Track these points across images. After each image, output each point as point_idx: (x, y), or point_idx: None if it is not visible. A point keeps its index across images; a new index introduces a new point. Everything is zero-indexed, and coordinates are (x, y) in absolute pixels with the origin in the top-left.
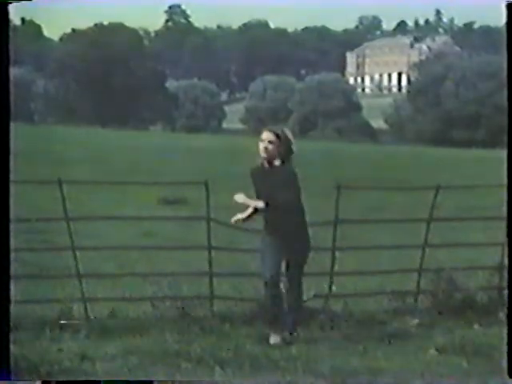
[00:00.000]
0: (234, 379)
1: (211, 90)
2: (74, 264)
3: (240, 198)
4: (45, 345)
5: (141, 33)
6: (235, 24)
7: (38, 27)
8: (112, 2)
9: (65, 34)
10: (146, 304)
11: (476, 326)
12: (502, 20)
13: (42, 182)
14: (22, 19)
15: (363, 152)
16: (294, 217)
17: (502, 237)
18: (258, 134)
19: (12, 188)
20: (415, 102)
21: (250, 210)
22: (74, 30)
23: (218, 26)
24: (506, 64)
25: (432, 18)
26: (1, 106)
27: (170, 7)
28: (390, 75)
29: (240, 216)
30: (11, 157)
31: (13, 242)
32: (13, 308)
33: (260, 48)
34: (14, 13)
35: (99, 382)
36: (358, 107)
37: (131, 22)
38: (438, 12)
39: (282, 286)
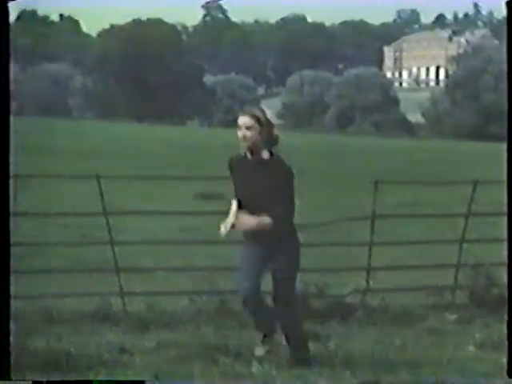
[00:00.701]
0: (271, 373)
1: (248, 84)
2: (112, 258)
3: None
4: (84, 338)
5: (179, 28)
6: (272, 19)
7: (77, 23)
8: None
9: (103, 29)
10: (184, 298)
11: None
12: None
13: (81, 177)
14: (61, 15)
15: (400, 146)
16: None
17: None
18: (295, 128)
19: (52, 183)
20: (453, 96)
21: (231, 219)
22: (112, 25)
23: (256, 21)
24: (506, 65)
25: (471, 12)
26: (1, 105)
27: (207, 2)
28: (427, 69)
29: (224, 230)
30: (49, 153)
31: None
32: (51, 302)
33: (297, 42)
34: (53, 9)
35: (91, 381)
36: (395, 101)
37: (169, 18)
38: (476, 5)
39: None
